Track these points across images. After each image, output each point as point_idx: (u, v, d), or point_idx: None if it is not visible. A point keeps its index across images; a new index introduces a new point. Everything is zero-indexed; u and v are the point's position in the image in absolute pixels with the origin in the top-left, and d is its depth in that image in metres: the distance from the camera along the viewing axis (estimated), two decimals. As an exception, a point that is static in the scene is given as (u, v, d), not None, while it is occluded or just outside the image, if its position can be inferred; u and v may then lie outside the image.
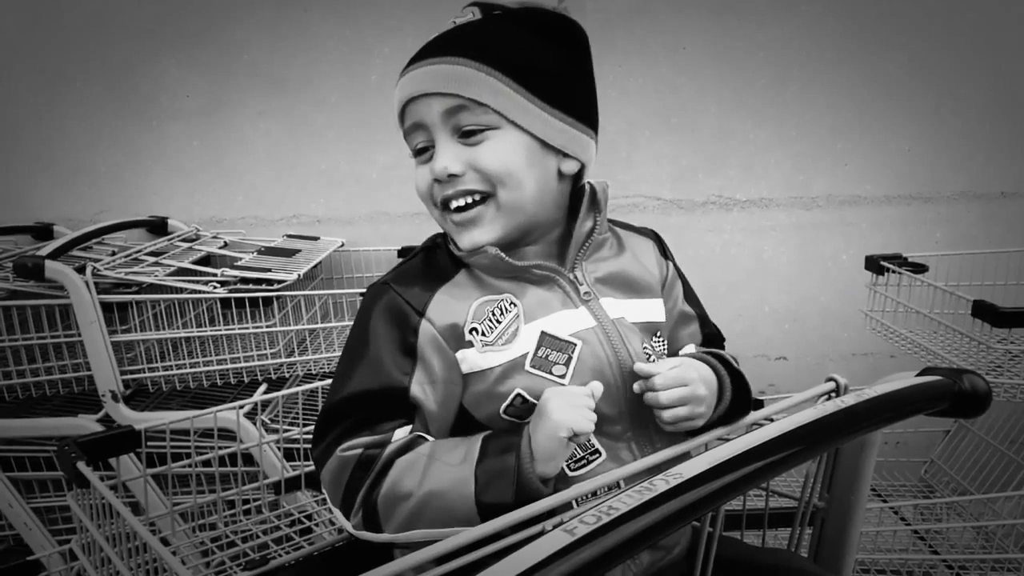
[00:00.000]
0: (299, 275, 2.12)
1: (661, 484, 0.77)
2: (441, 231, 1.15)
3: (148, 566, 1.07)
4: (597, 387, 1.00)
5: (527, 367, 1.04)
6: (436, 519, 0.94)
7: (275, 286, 2.09)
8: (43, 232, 2.54)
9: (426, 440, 1.01)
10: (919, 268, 2.18)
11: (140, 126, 2.61)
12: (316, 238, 2.56)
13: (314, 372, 2.21)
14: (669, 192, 2.68)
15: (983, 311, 1.89)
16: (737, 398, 1.10)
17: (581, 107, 1.12)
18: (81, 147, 2.62)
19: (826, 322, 2.71)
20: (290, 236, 2.56)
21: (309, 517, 1.55)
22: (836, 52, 2.61)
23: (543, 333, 1.06)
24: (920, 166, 2.69)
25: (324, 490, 1.04)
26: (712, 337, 1.26)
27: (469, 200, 1.06)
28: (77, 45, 2.56)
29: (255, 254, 2.29)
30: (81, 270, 1.99)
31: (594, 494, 0.94)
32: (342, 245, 2.57)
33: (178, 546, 1.43)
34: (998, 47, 2.62)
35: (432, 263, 1.12)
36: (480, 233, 1.07)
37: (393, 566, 0.73)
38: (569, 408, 0.96)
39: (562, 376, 1.05)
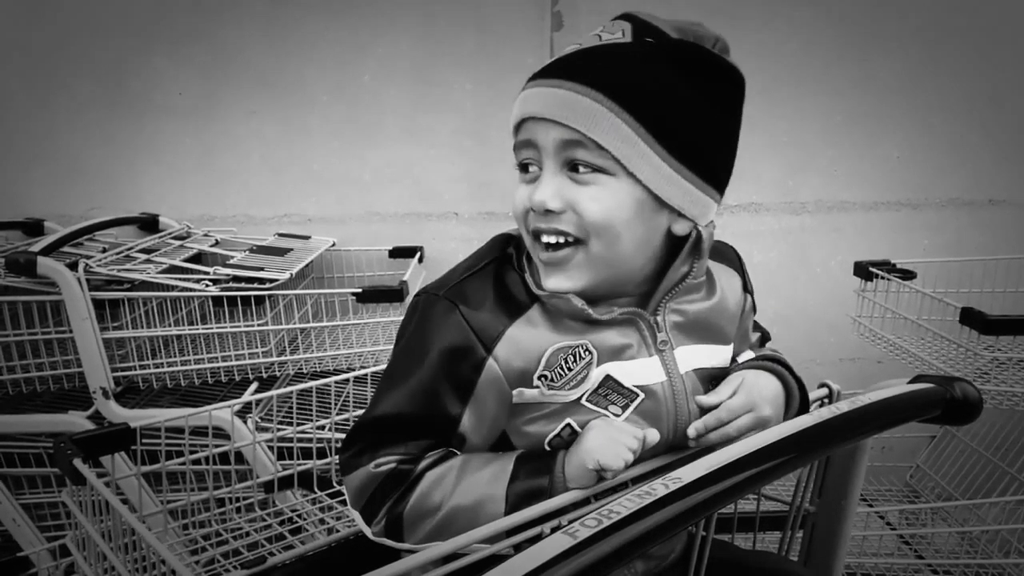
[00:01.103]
0: (291, 274, 2.12)
1: (661, 488, 0.78)
2: (510, 234, 1.09)
3: (143, 562, 1.07)
4: (652, 435, 0.96)
5: (583, 401, 1.00)
6: (460, 534, 0.89)
7: (267, 285, 2.08)
8: (34, 228, 2.52)
9: (456, 454, 0.99)
10: (907, 275, 2.20)
11: (132, 123, 2.60)
12: (308, 237, 2.56)
13: (305, 371, 2.21)
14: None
15: (971, 318, 1.91)
16: (803, 404, 1.08)
17: (714, 166, 1.01)
18: (72, 144, 2.60)
19: (814, 327, 2.73)
20: (282, 235, 2.56)
21: (300, 516, 1.56)
22: (826, 58, 2.63)
23: (608, 376, 1.01)
24: (909, 173, 2.71)
25: (346, 493, 1.01)
26: (762, 338, 1.26)
27: (560, 240, 0.98)
28: (69, 42, 2.55)
29: (247, 252, 2.29)
30: (73, 267, 1.98)
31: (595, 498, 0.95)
32: (333, 244, 2.57)
33: (171, 543, 1.43)
34: (987, 55, 2.64)
35: (504, 285, 1.02)
36: (565, 280, 0.99)
37: (397, 566, 0.73)
38: (607, 441, 0.93)
39: (617, 415, 1.02)
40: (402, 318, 1.08)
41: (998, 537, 2.03)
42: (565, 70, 0.97)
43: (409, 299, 2.04)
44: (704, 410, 1.04)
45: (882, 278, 2.19)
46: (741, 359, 1.19)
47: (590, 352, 1.00)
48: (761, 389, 1.04)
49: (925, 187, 2.72)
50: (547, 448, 1.01)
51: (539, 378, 0.99)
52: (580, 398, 1.00)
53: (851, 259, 2.29)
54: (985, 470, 2.41)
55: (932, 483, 2.53)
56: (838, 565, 1.18)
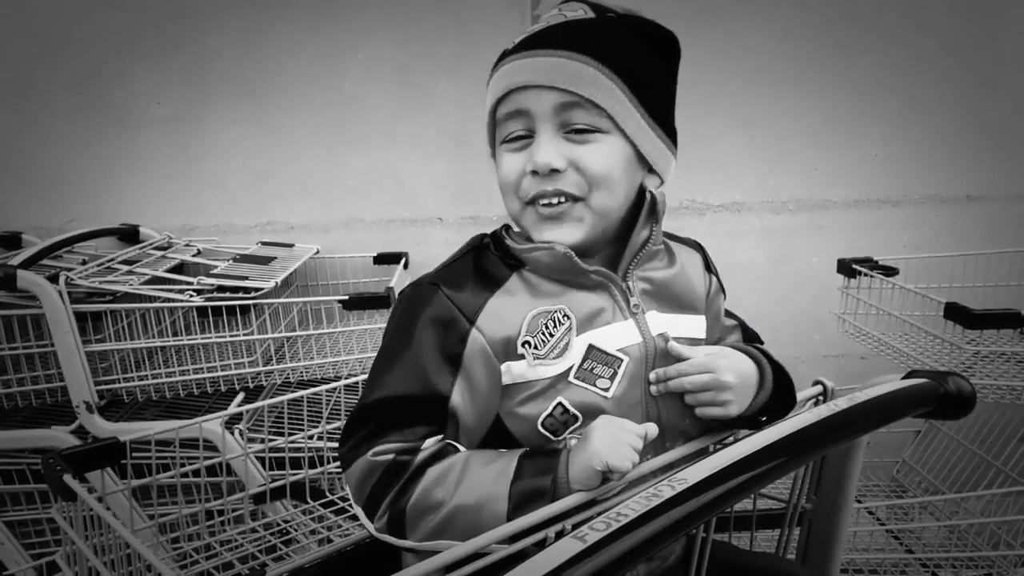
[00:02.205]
0: (276, 283, 2.11)
1: (667, 490, 0.78)
2: (484, 233, 1.14)
3: (136, 577, 1.06)
4: (652, 430, 0.98)
5: (571, 378, 1.03)
6: (463, 532, 0.92)
7: (252, 294, 2.06)
8: (11, 241, 2.49)
9: (457, 450, 1.00)
10: (890, 271, 2.22)
11: (111, 133, 2.58)
12: (291, 245, 2.54)
13: (291, 380, 2.19)
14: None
15: (955, 313, 1.93)
16: (779, 391, 1.11)
17: (671, 123, 1.13)
18: (49, 154, 2.57)
19: (799, 325, 2.74)
20: (265, 243, 2.54)
21: (292, 527, 1.54)
22: (806, 58, 2.65)
23: (591, 346, 1.05)
24: (888, 170, 2.74)
25: (348, 488, 1.02)
26: (751, 339, 1.29)
27: (561, 200, 1.04)
28: (46, 51, 2.52)
29: (230, 262, 2.27)
30: (54, 279, 1.95)
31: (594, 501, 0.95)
32: (317, 252, 2.55)
33: (163, 558, 1.42)
34: (964, 53, 2.67)
35: (482, 265, 1.09)
36: (565, 232, 1.05)
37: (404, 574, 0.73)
38: (614, 442, 0.94)
39: (606, 390, 1.04)
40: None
41: (986, 530, 2.04)
42: (548, 42, 1.04)
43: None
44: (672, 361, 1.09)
45: (865, 275, 2.21)
46: (723, 344, 1.22)
47: (568, 317, 1.05)
48: (732, 360, 1.09)
49: (904, 184, 2.74)
50: (541, 429, 1.03)
51: (523, 344, 1.02)
52: (568, 373, 1.03)
53: (834, 256, 2.30)
54: (971, 463, 2.42)
55: (919, 478, 2.55)
56: (835, 562, 1.18)
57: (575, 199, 1.04)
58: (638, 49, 1.07)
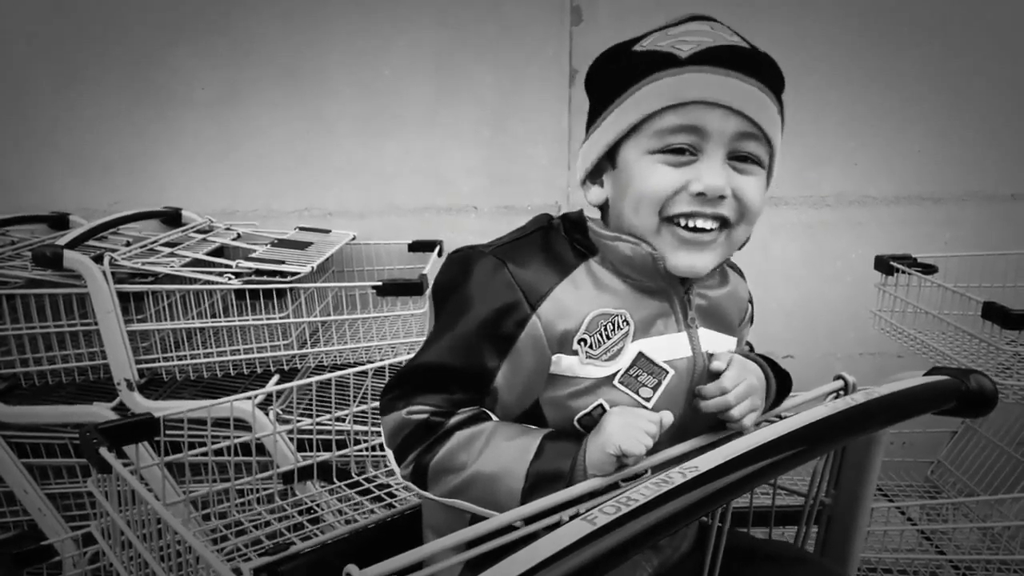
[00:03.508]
0: (312, 267, 2.14)
1: (678, 477, 0.79)
2: (549, 214, 1.13)
3: (167, 550, 1.09)
4: (667, 417, 0.98)
5: (615, 382, 1.04)
6: (478, 498, 0.97)
7: (289, 278, 2.10)
8: (59, 221, 2.56)
9: (489, 418, 1.02)
10: (929, 269, 2.19)
11: (155, 117, 2.63)
12: (328, 231, 2.57)
13: (325, 364, 2.23)
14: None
15: (993, 313, 1.90)
16: (780, 397, 1.14)
17: None
18: (96, 137, 2.63)
19: (834, 321, 2.72)
20: (302, 228, 2.57)
21: (320, 506, 1.58)
22: (849, 50, 2.62)
23: (640, 354, 1.04)
24: (930, 167, 2.70)
25: (383, 432, 1.06)
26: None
27: (714, 225, 1.03)
28: (93, 36, 2.57)
29: (268, 246, 2.31)
30: (99, 260, 2.00)
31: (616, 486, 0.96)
32: (354, 238, 2.58)
33: (194, 532, 1.45)
34: (1011, 49, 2.62)
35: (551, 247, 1.07)
36: (704, 259, 1.04)
37: (421, 550, 0.75)
38: (627, 427, 0.95)
39: (647, 399, 1.04)
40: (421, 310, 1.12)
41: (1020, 533, 2.02)
42: (733, 64, 1.01)
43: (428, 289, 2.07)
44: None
45: (903, 272, 2.18)
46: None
47: (628, 323, 1.04)
48: (760, 380, 1.09)
49: (946, 181, 2.70)
50: (576, 425, 1.04)
51: (579, 342, 1.02)
52: (614, 376, 1.03)
53: (872, 253, 2.27)
54: (1007, 466, 2.39)
55: (953, 479, 2.52)
56: (854, 556, 1.18)
57: (725, 227, 1.04)
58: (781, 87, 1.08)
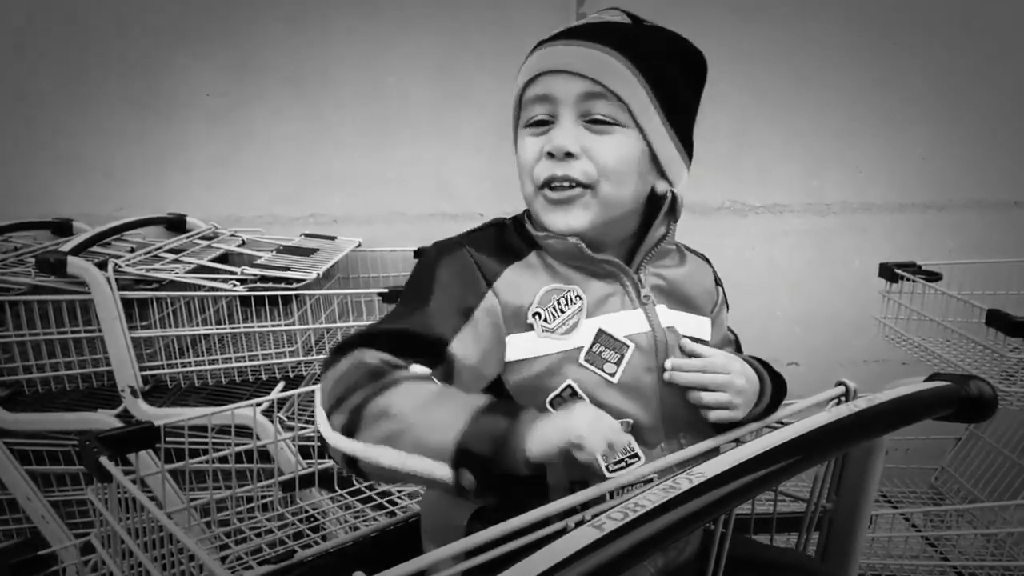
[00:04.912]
0: (318, 274, 2.15)
1: (684, 483, 0.79)
2: (503, 216, 1.17)
3: (169, 558, 1.09)
4: (629, 438, 1.02)
5: (580, 360, 1.06)
6: (407, 445, 0.87)
7: (294, 285, 2.10)
8: (62, 228, 2.56)
9: (438, 384, 0.97)
10: (933, 276, 2.19)
11: (160, 124, 2.64)
12: (333, 237, 2.58)
13: (330, 371, 2.22)
14: (684, 197, 2.69)
15: (997, 320, 1.91)
16: (775, 401, 1.14)
17: (689, 137, 1.17)
18: (100, 144, 2.64)
19: (838, 328, 2.72)
20: (308, 235, 2.58)
21: (323, 514, 1.57)
22: (851, 58, 2.63)
23: (600, 330, 1.07)
24: (934, 174, 2.70)
25: (319, 395, 0.98)
26: (737, 345, 1.32)
27: (570, 185, 1.07)
28: (99, 43, 2.58)
29: (273, 253, 2.31)
30: (103, 266, 2.01)
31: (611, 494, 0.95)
32: (359, 245, 2.59)
33: (196, 540, 1.45)
34: (1014, 55, 2.63)
35: (504, 238, 1.13)
36: (573, 217, 1.08)
37: (425, 559, 0.75)
38: (595, 424, 0.85)
39: (612, 375, 1.06)
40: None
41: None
42: (583, 35, 1.09)
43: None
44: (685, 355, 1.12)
45: (907, 279, 2.19)
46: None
47: (580, 298, 1.08)
48: (743, 367, 1.12)
49: (950, 188, 2.71)
50: (548, 407, 1.05)
51: (534, 315, 1.06)
52: (578, 354, 1.06)
53: (876, 260, 2.28)
54: (1011, 472, 2.38)
55: (957, 485, 2.52)
56: (854, 562, 1.19)
57: (583, 186, 1.07)
58: (665, 57, 1.11)
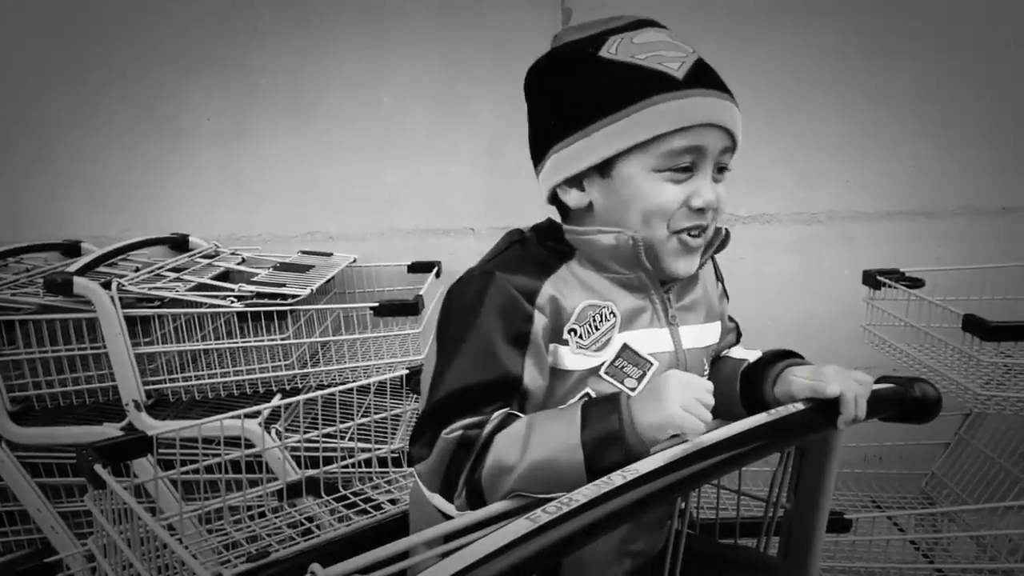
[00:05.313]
0: (312, 289, 2.20)
1: (618, 479, 0.84)
2: (518, 229, 1.18)
3: (161, 561, 1.14)
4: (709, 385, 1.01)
5: (601, 372, 1.09)
6: (542, 487, 0.95)
7: (289, 300, 2.16)
8: (71, 249, 2.64)
9: (517, 416, 1.03)
10: (915, 283, 2.22)
11: (165, 148, 2.71)
12: (329, 254, 2.64)
13: (326, 383, 2.29)
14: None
15: (972, 325, 1.93)
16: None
17: None
18: (109, 168, 2.72)
19: (828, 336, 2.74)
20: (305, 252, 2.64)
21: (311, 520, 1.63)
22: (839, 68, 2.66)
23: (625, 345, 1.10)
24: (921, 182, 2.73)
25: (420, 479, 1.05)
26: (739, 337, 1.38)
27: (699, 232, 1.12)
28: (106, 69, 2.67)
29: (271, 270, 2.37)
30: (107, 285, 2.08)
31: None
32: (354, 261, 2.65)
33: (190, 546, 1.51)
34: (1000, 63, 2.66)
35: (530, 254, 1.12)
36: (696, 262, 1.14)
37: (382, 551, 0.80)
38: (689, 409, 0.95)
39: (632, 390, 1.09)
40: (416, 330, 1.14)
41: (1010, 543, 2.03)
42: (712, 81, 1.11)
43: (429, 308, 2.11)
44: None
45: (889, 286, 2.22)
46: (736, 354, 1.30)
47: (615, 315, 1.09)
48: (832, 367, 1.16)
49: (938, 196, 2.74)
50: None
51: (570, 332, 1.07)
52: (600, 368, 1.08)
53: (864, 269, 2.32)
54: (998, 477, 2.40)
55: (947, 491, 2.53)
56: (814, 560, 1.22)
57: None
58: None
